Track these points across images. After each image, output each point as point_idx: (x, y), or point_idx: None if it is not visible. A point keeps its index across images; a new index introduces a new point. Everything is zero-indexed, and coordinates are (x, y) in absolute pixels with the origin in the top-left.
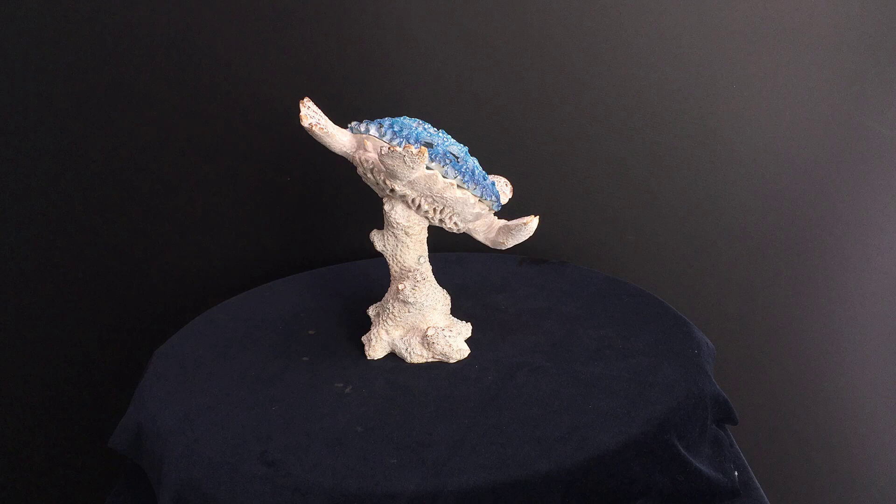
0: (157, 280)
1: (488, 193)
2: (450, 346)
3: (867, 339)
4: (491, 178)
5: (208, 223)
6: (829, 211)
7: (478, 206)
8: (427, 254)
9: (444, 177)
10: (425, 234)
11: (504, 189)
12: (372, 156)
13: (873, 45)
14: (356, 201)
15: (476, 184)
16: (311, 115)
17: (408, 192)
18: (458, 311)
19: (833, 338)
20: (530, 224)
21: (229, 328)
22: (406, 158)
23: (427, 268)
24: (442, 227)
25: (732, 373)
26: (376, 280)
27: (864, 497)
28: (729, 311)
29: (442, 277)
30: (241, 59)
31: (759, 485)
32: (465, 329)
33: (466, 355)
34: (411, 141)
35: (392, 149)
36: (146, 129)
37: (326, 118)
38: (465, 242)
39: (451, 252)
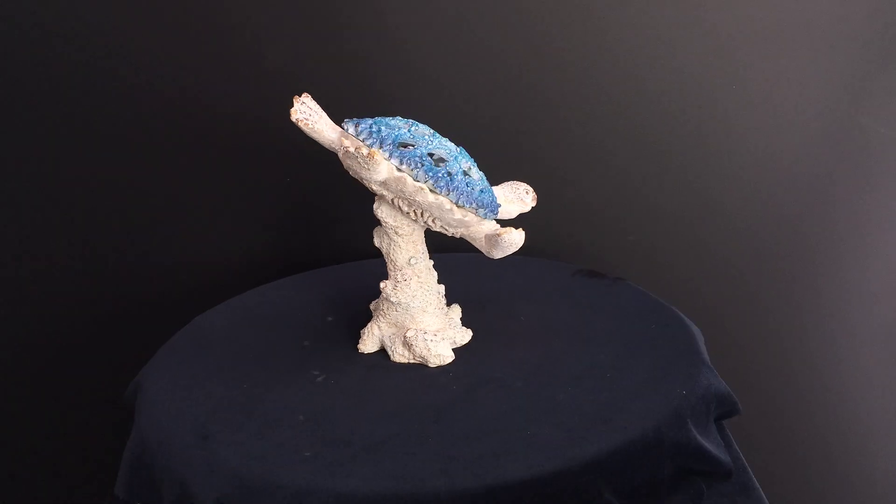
0: (157, 281)
1: (469, 201)
2: (428, 350)
3: (866, 338)
4: (510, 184)
5: (207, 224)
6: (829, 210)
7: (458, 213)
8: (423, 255)
9: (414, 180)
10: (419, 236)
11: (524, 196)
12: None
13: (873, 45)
14: (362, 202)
15: (452, 189)
16: (303, 110)
17: (384, 192)
18: (476, 316)
19: (833, 338)
20: (506, 236)
21: (261, 307)
22: (359, 159)
23: (419, 269)
24: (438, 231)
25: (731, 373)
26: None
27: (864, 498)
28: (727, 310)
29: (485, 280)
30: (241, 59)
31: (758, 485)
32: (462, 336)
33: (447, 362)
34: (388, 141)
35: (346, 149)
36: (146, 128)
37: (322, 114)
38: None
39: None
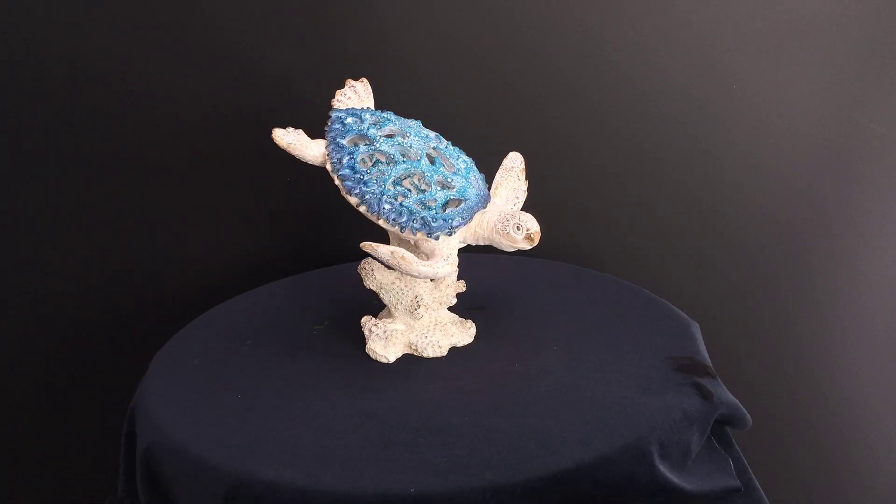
0: (157, 281)
1: (371, 206)
2: (366, 340)
3: (867, 339)
4: (507, 214)
5: (208, 224)
6: (829, 210)
7: (369, 216)
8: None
9: (332, 172)
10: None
11: (513, 231)
12: None
13: (873, 45)
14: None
15: (356, 192)
16: (349, 94)
17: None
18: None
19: (833, 338)
20: (370, 250)
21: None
22: None
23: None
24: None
25: (732, 374)
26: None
27: (864, 498)
28: (728, 311)
29: (573, 303)
30: (242, 58)
31: (758, 485)
32: (428, 349)
33: (381, 360)
34: (332, 133)
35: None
36: (146, 128)
37: (367, 102)
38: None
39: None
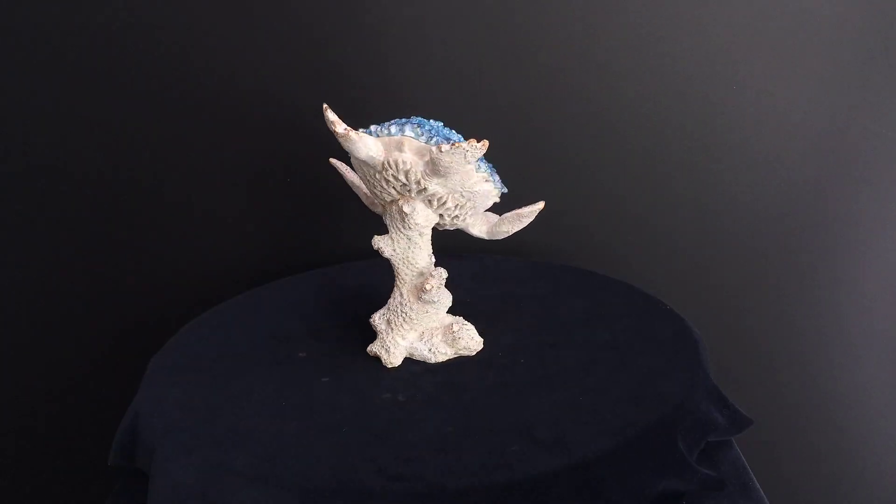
0: (157, 281)
1: (500, 184)
2: (472, 338)
3: (868, 339)
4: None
5: (207, 224)
6: (829, 211)
7: (493, 198)
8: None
9: (477, 171)
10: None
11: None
12: (409, 156)
13: (873, 45)
14: (355, 202)
15: (494, 176)
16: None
17: (439, 189)
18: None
19: (834, 338)
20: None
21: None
22: (468, 153)
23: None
24: (440, 226)
25: (733, 373)
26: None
27: (866, 498)
28: (730, 310)
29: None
30: (242, 59)
31: (758, 485)
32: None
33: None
34: (441, 140)
35: (455, 145)
36: (145, 128)
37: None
38: None
39: None
